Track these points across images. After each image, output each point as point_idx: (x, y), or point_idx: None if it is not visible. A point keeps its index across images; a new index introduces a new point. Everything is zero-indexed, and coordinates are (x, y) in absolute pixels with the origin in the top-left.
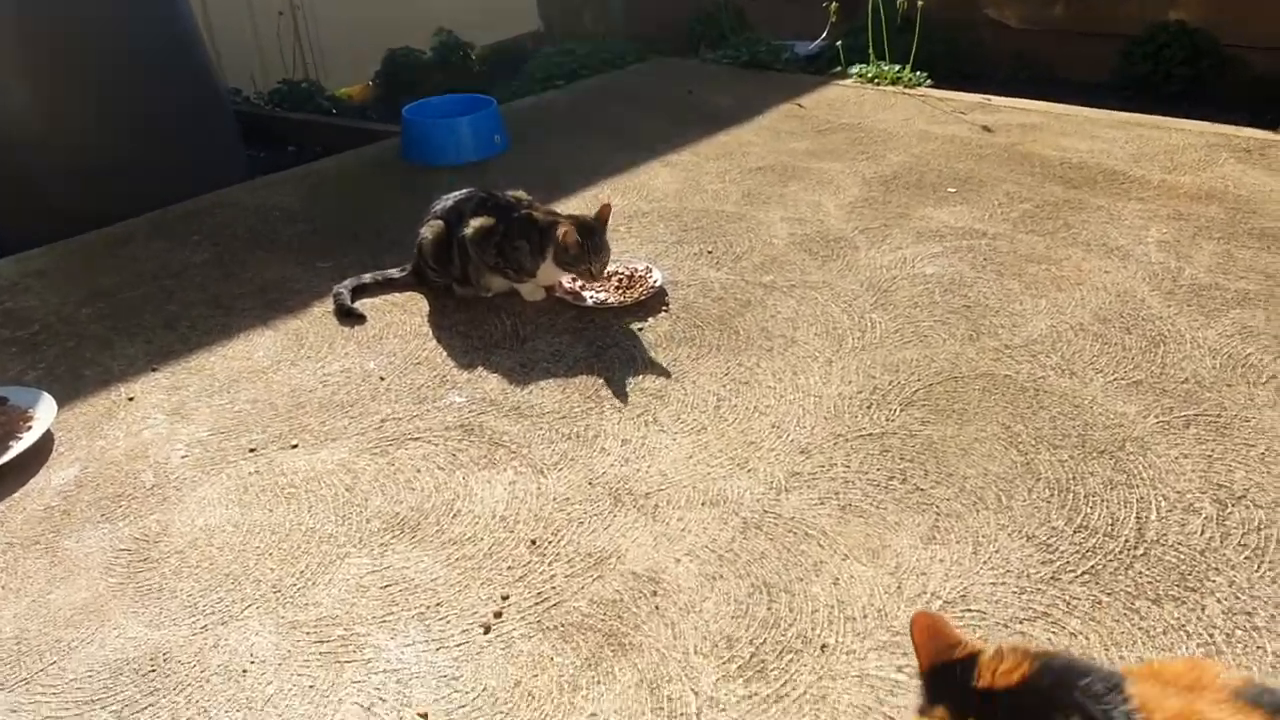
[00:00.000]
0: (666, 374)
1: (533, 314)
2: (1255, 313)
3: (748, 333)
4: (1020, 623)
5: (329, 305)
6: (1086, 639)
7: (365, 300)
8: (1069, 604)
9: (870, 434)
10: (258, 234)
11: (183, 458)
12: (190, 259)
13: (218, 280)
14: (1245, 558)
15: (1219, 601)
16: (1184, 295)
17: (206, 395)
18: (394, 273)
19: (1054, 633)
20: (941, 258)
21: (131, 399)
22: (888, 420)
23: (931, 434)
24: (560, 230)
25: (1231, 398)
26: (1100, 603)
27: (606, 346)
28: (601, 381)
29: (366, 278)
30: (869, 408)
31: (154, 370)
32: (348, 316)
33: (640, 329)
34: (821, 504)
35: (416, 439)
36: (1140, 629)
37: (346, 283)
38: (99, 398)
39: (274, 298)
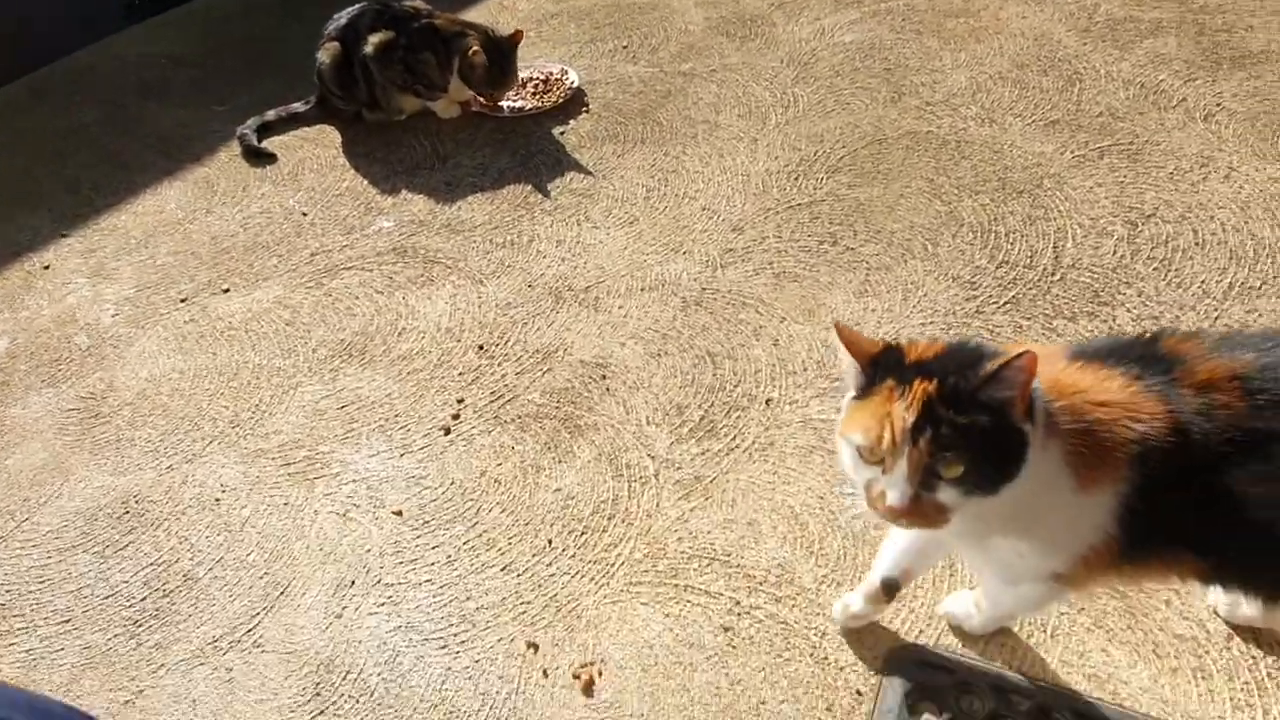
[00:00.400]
0: (593, 173)
1: (451, 131)
2: (1167, 40)
3: (671, 122)
4: None
5: (235, 149)
6: None
7: (273, 139)
8: (992, 332)
9: (799, 204)
10: (146, 84)
11: (113, 316)
12: (79, 120)
13: (113, 137)
14: (1153, 269)
15: (1129, 311)
16: (1099, 31)
17: (125, 253)
18: (298, 106)
19: None
20: (860, 24)
21: (47, 267)
22: (815, 189)
23: (859, 196)
24: (470, 50)
25: (1143, 125)
26: (1020, 327)
27: (531, 154)
28: (529, 188)
29: (270, 115)
30: (797, 179)
31: (64, 236)
32: (257, 157)
33: (562, 132)
34: (757, 274)
35: (350, 268)
36: (1060, 342)
37: (250, 123)
38: (12, 270)
39: (176, 148)
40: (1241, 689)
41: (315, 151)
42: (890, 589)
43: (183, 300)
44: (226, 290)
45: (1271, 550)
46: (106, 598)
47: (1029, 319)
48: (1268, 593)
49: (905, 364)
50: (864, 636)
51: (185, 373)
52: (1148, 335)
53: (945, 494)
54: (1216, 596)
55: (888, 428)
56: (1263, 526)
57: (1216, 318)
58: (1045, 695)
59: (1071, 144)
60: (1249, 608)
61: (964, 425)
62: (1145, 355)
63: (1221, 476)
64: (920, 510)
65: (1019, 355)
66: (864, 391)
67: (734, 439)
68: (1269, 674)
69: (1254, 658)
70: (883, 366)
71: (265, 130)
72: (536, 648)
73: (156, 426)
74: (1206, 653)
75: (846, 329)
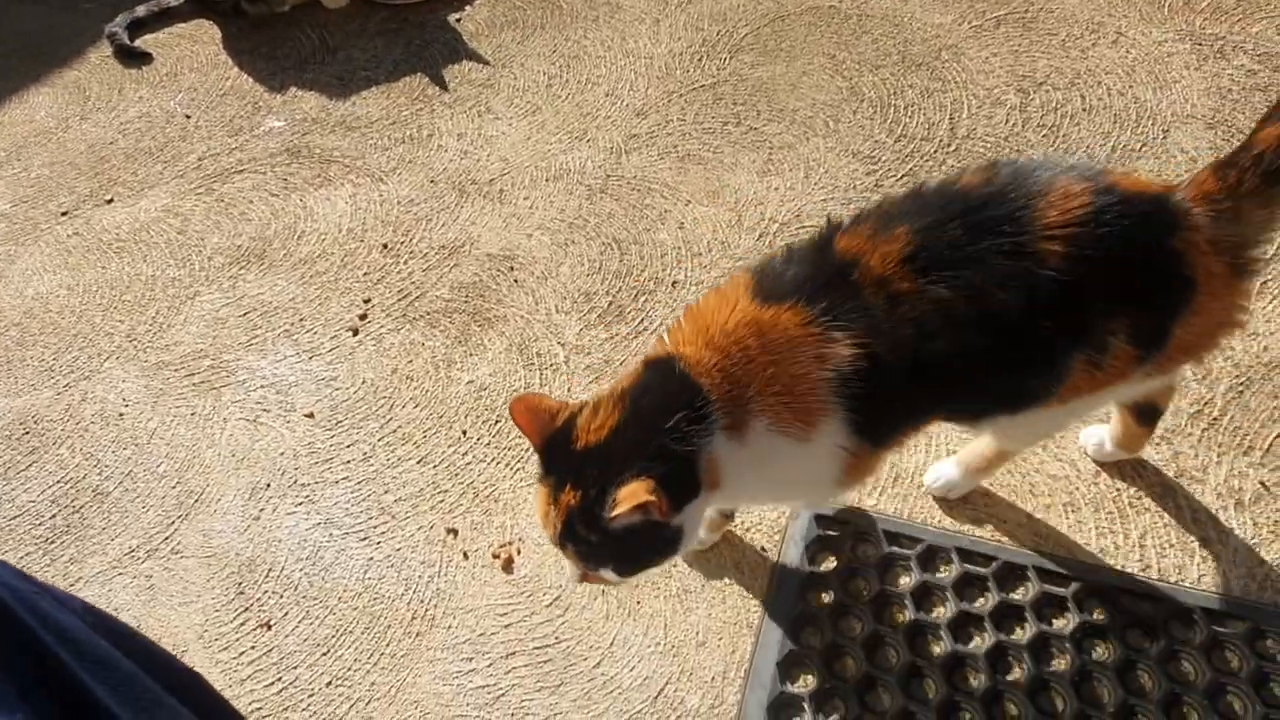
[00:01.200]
0: (492, 62)
1: (339, 22)
2: None
3: (571, 6)
4: None
5: (106, 50)
6: None
7: (147, 37)
8: None
9: (703, 85)
10: None
11: None
12: None
13: None
14: (1043, 136)
15: None
16: None
17: None
18: (171, 0)
19: None
20: None
21: None
22: (719, 69)
23: (761, 75)
24: None
25: None
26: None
27: (426, 44)
28: (426, 80)
29: (141, 11)
30: (699, 60)
31: None
32: (131, 57)
33: (458, 19)
34: (661, 159)
35: (241, 171)
36: None
37: (119, 20)
38: None
39: (41, 52)
40: (1105, 518)
41: (194, 49)
42: (728, 514)
43: (64, 214)
44: (110, 201)
45: (981, 392)
46: (14, 518)
47: None
48: (994, 422)
49: (573, 454)
50: None
51: (74, 288)
52: (822, 239)
53: (607, 574)
54: (1085, 438)
55: (547, 527)
56: (969, 378)
57: None
58: (931, 538)
59: (970, 14)
60: (1110, 445)
61: (598, 543)
62: (821, 269)
63: (922, 354)
64: (594, 580)
65: (641, 504)
66: (541, 478)
67: (641, 322)
68: (1130, 503)
69: (1118, 490)
70: (555, 455)
71: (137, 28)
72: (456, 533)
73: (49, 345)
74: (1076, 489)
75: (524, 407)
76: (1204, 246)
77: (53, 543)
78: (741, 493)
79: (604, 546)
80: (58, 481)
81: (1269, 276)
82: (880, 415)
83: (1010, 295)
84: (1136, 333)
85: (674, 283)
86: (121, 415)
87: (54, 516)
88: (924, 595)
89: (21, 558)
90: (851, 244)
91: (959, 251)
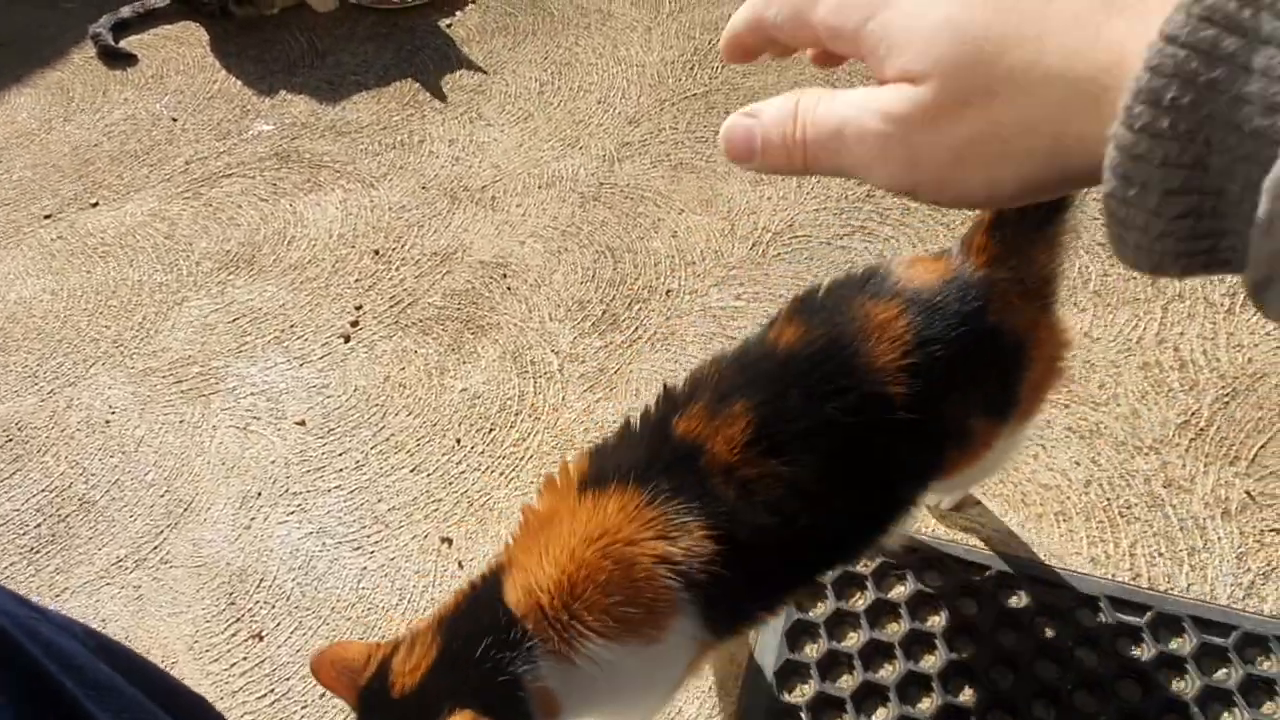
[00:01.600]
0: (484, 68)
1: (328, 25)
2: None
3: (562, 12)
4: (841, 239)
5: (90, 50)
6: (897, 241)
7: (131, 38)
8: (882, 215)
9: (695, 94)
10: None
11: None
12: None
13: None
14: None
15: None
16: None
17: None
18: (156, 1)
19: (869, 241)
20: None
21: None
22: (710, 78)
23: (754, 84)
24: None
25: None
26: (909, 209)
27: (416, 49)
28: (417, 86)
29: (125, 11)
30: (691, 69)
31: None
32: (115, 58)
33: (449, 25)
34: (654, 167)
35: (229, 175)
36: (942, 225)
37: (103, 21)
38: None
39: (22, 51)
40: (1096, 527)
41: (180, 51)
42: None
43: (47, 216)
44: (95, 204)
45: (847, 548)
46: None
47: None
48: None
49: (392, 704)
50: None
51: (58, 293)
52: (659, 418)
53: None
54: None
55: None
56: (838, 538)
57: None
58: (924, 549)
59: None
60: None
61: None
62: (661, 455)
63: (783, 533)
64: None
65: None
66: None
67: (636, 330)
68: (1120, 512)
69: (1108, 499)
70: (371, 704)
71: (121, 29)
72: (450, 542)
73: (32, 351)
74: (1067, 498)
75: (327, 662)
76: (1016, 304)
77: (38, 553)
78: (598, 710)
79: None
80: (43, 490)
81: None
82: (731, 595)
83: (871, 451)
84: (991, 409)
85: (668, 291)
86: (108, 422)
87: (39, 526)
88: (919, 605)
89: (5, 568)
90: (690, 427)
91: (804, 422)
